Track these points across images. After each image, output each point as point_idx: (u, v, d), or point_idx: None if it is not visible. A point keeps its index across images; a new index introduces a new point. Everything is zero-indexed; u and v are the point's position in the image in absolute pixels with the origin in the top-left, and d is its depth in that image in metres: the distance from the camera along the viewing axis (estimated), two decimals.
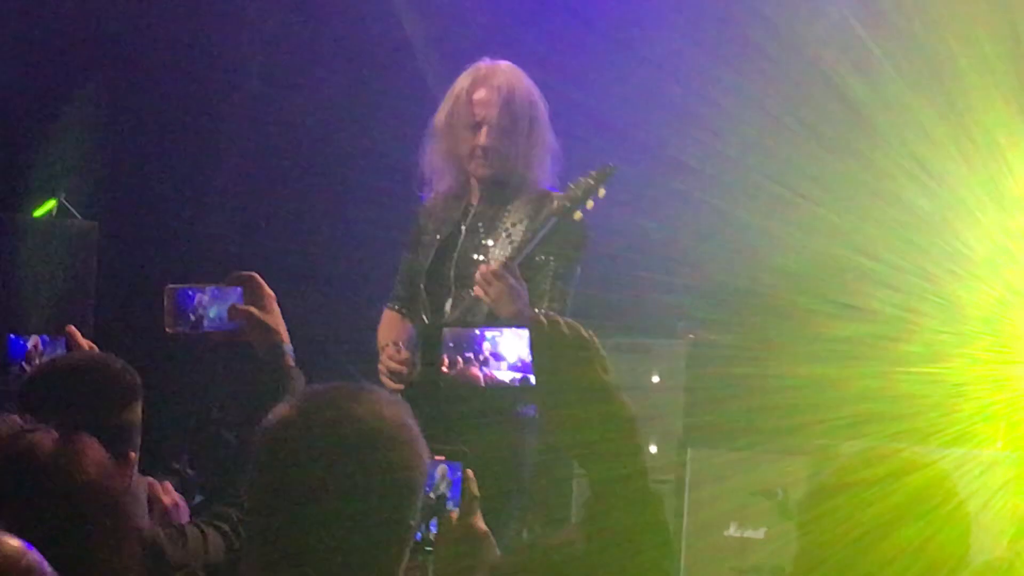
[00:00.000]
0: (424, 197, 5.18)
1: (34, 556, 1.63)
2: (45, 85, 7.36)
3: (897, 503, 2.63)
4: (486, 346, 2.62)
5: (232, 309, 3.51)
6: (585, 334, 2.23)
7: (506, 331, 2.58)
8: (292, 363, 3.47)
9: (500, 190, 4.98)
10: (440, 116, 5.05)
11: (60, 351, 3.78)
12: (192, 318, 3.56)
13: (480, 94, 4.96)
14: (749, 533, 6.10)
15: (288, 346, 3.50)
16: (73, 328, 3.77)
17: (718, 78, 6.40)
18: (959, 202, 6.08)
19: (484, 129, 4.92)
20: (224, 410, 6.68)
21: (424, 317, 4.98)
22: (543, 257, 4.88)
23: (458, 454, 2.86)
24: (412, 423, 2.39)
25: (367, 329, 5.27)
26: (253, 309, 3.48)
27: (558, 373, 2.21)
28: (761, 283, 6.38)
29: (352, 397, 2.37)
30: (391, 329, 5.14)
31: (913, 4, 6.27)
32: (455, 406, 4.43)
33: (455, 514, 2.78)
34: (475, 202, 5.04)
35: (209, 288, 3.56)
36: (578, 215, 4.82)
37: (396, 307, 5.17)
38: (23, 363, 3.90)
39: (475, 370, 2.61)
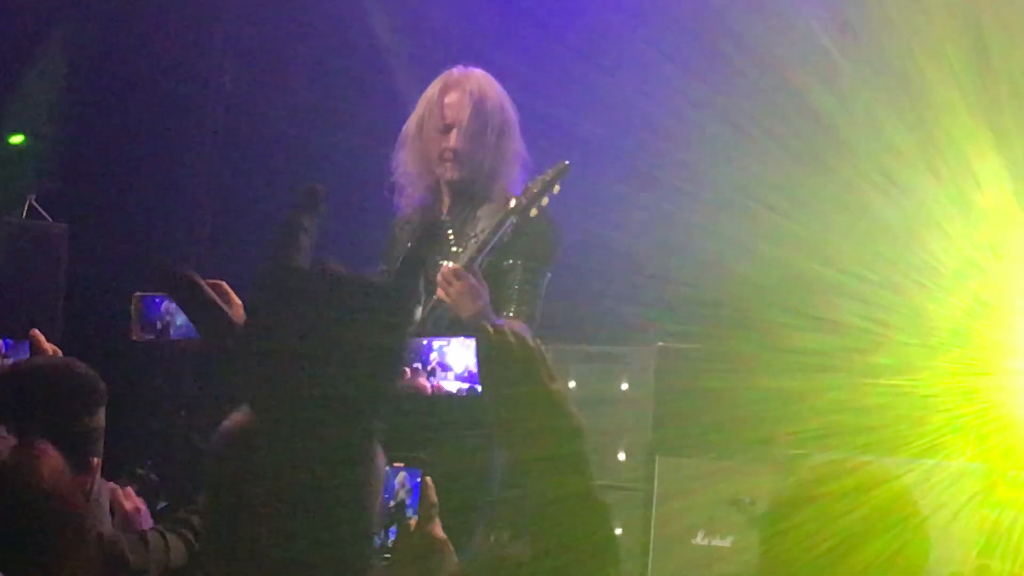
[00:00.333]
0: (396, 204, 5.19)
1: None
2: (15, 84, 7.35)
3: (858, 515, 2.64)
4: (433, 356, 2.62)
5: None
6: (532, 343, 2.23)
7: (453, 341, 2.59)
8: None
9: (469, 196, 5.00)
10: (411, 121, 5.08)
11: (24, 355, 3.77)
12: (159, 326, 3.56)
13: (451, 97, 4.99)
14: (716, 542, 6.10)
15: None
16: (37, 332, 3.75)
17: (688, 91, 6.42)
18: (927, 214, 6.11)
19: (454, 132, 4.95)
20: (190, 416, 6.67)
21: None
22: (511, 261, 4.89)
23: (417, 461, 2.86)
24: None
25: None
26: None
27: (504, 383, 2.21)
28: (730, 294, 6.39)
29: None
30: None
31: (881, 18, 6.31)
32: (424, 414, 4.43)
33: (414, 521, 2.78)
34: (445, 211, 5.06)
35: None
36: (534, 212, 4.83)
37: None
38: None
39: (422, 380, 2.61)
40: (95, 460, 3.20)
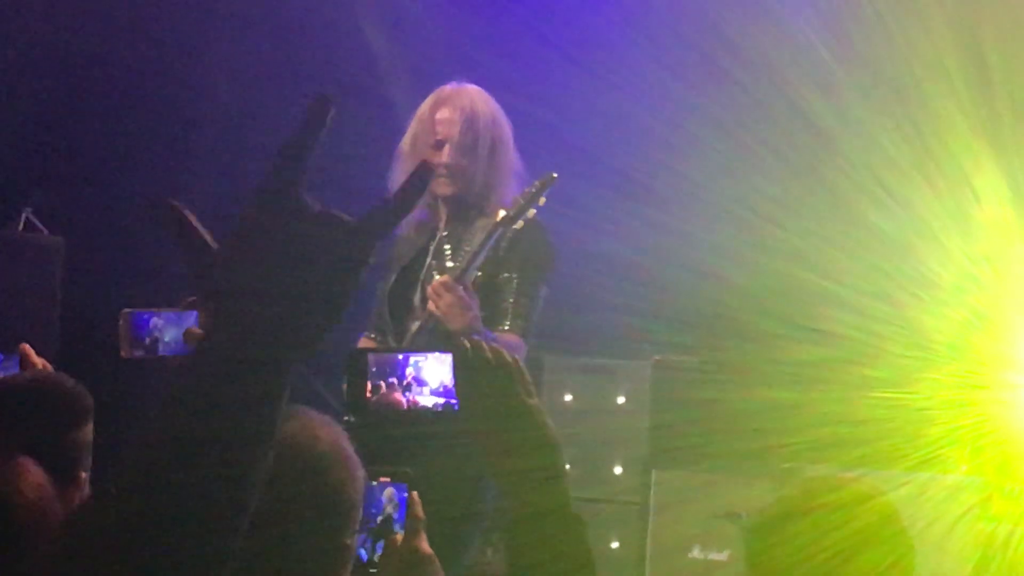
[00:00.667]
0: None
1: None
2: (12, 97, 7.35)
3: (845, 531, 2.64)
4: (409, 371, 2.61)
5: (187, 333, 3.50)
6: (508, 358, 2.22)
7: (430, 356, 2.57)
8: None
9: (464, 211, 5.00)
10: (406, 138, 5.10)
11: (14, 369, 3.76)
12: (147, 342, 3.55)
13: (442, 113, 5.00)
14: (713, 555, 6.09)
15: None
16: (27, 346, 3.74)
17: (684, 101, 6.42)
18: (924, 227, 6.11)
19: (446, 147, 4.96)
20: None
21: (390, 341, 4.99)
22: (507, 275, 4.89)
23: (403, 476, 2.86)
24: (347, 444, 2.39)
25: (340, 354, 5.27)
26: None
27: (480, 397, 2.20)
28: (726, 306, 6.39)
29: (286, 418, 2.37)
30: None
31: (878, 29, 6.30)
32: (417, 428, 4.43)
33: (400, 536, 2.78)
34: (442, 227, 5.06)
35: (165, 312, 3.56)
36: (520, 224, 4.83)
37: (372, 335, 5.18)
38: None
39: (398, 395, 2.60)
40: (82, 475, 3.19)
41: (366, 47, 7.39)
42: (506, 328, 4.81)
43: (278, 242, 1.38)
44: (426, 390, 2.61)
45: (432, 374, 2.59)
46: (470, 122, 4.96)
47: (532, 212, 4.84)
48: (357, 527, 2.42)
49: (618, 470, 6.49)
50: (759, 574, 2.70)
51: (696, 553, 6.11)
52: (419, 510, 2.78)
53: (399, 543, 2.78)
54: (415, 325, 4.95)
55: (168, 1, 7.50)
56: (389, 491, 2.89)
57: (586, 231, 5.49)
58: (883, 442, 5.71)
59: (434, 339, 4.77)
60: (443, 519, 3.23)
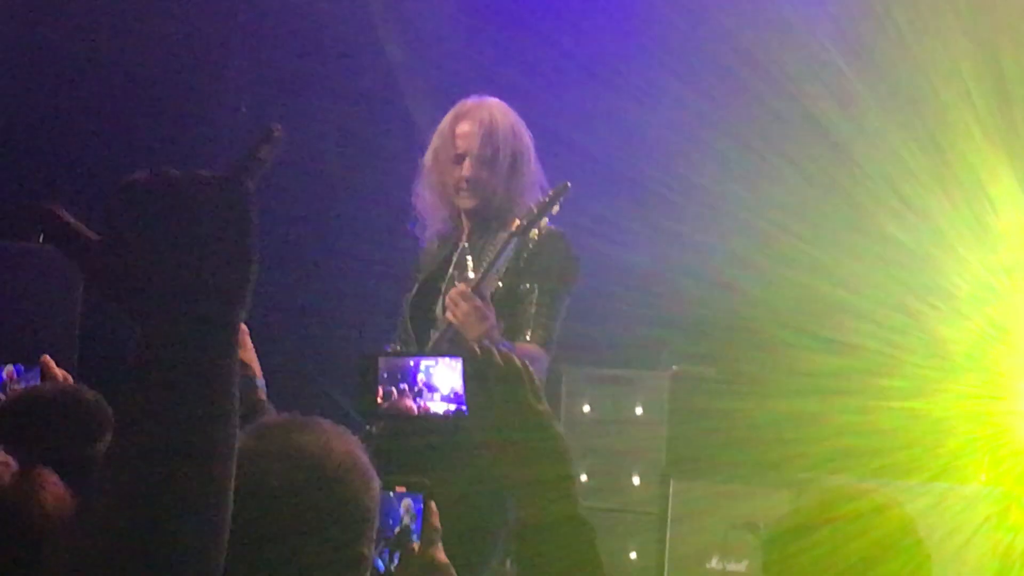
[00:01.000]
0: (419, 235, 5.22)
1: None
2: (29, 109, 7.38)
3: (860, 542, 2.64)
4: (420, 376, 2.61)
5: None
6: (519, 364, 2.23)
7: (440, 361, 2.56)
8: (263, 396, 3.48)
9: (486, 223, 5.01)
10: (428, 152, 5.11)
11: (35, 381, 3.77)
12: None
13: (463, 127, 5.01)
14: (731, 566, 6.10)
15: (260, 380, 3.51)
16: (47, 358, 3.75)
17: (702, 113, 6.43)
18: (941, 237, 6.11)
19: (467, 161, 4.96)
20: None
21: (411, 351, 5.01)
22: (528, 285, 4.90)
23: (419, 485, 2.86)
24: (361, 454, 2.40)
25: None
26: None
27: (490, 403, 2.21)
28: (744, 317, 6.39)
29: (301, 429, 2.39)
30: None
31: (895, 40, 6.30)
32: (434, 438, 4.44)
33: (417, 546, 2.79)
34: (464, 238, 5.08)
35: None
36: (534, 233, 4.85)
37: (396, 346, 5.20)
38: None
39: (408, 401, 2.60)
40: None
41: (385, 60, 7.42)
42: (527, 339, 4.82)
43: (149, 219, 1.38)
44: (436, 396, 2.61)
45: (443, 380, 2.58)
46: (490, 135, 4.97)
47: (545, 221, 4.85)
48: (374, 537, 2.44)
49: (636, 480, 6.50)
50: None
51: (714, 563, 6.12)
52: (435, 520, 2.79)
53: (415, 553, 2.78)
54: (435, 335, 4.97)
55: (189, 17, 7.53)
56: (407, 502, 2.89)
57: (603, 242, 5.50)
58: (901, 452, 5.71)
59: (452, 349, 4.78)
60: (461, 529, 3.24)
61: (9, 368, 3.87)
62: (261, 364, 3.61)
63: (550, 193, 4.87)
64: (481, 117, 5.00)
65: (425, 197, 5.11)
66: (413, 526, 2.88)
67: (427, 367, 2.61)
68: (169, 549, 1.37)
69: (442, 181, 5.04)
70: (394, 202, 5.43)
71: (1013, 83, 6.15)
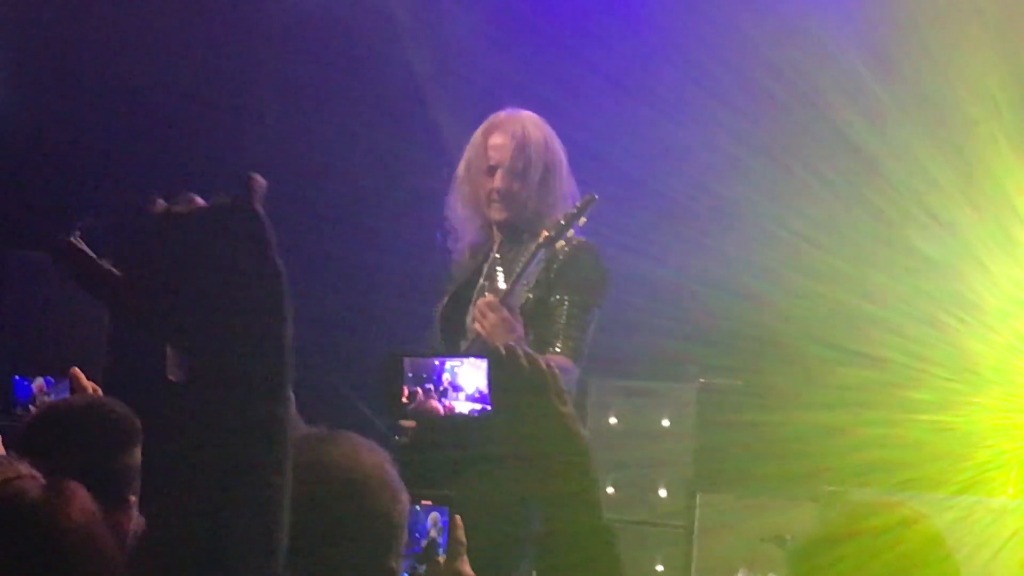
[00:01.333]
0: (449, 246, 5.23)
1: None
2: (60, 120, 7.42)
3: (888, 556, 2.63)
4: (445, 377, 2.62)
5: None
6: (543, 365, 2.24)
7: (465, 361, 2.57)
8: (292, 410, 3.49)
9: (517, 235, 5.02)
10: (461, 164, 5.12)
11: (64, 393, 3.79)
12: None
13: (495, 139, 5.02)
14: None
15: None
16: (77, 370, 3.77)
17: (728, 125, 6.43)
18: (968, 250, 6.10)
19: (498, 173, 4.97)
20: None
21: None
22: (558, 297, 4.90)
23: (445, 499, 2.87)
24: (391, 468, 2.41)
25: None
26: None
27: (515, 403, 2.22)
28: (771, 329, 6.38)
29: (331, 442, 2.40)
30: None
31: (922, 52, 6.30)
32: (465, 450, 4.46)
33: (443, 559, 2.80)
34: (495, 249, 5.09)
35: None
36: (560, 244, 4.85)
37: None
38: (29, 405, 3.91)
39: (434, 402, 2.60)
40: (132, 498, 3.21)
41: (414, 72, 7.43)
42: (557, 350, 4.82)
43: (167, 253, 1.40)
44: (462, 396, 2.62)
45: (468, 380, 2.59)
46: (521, 148, 4.98)
47: (571, 233, 4.86)
48: (402, 550, 2.45)
49: (663, 493, 6.49)
50: None
51: None
52: (461, 533, 2.80)
53: (441, 566, 2.79)
54: (464, 345, 4.98)
55: (217, 28, 7.56)
56: (434, 515, 2.91)
57: (631, 254, 5.51)
58: (928, 466, 5.70)
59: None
60: (487, 543, 3.25)
61: (39, 380, 3.90)
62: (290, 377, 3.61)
63: (577, 205, 4.87)
64: (513, 130, 5.01)
65: (457, 208, 5.13)
66: (440, 539, 2.90)
67: (452, 367, 2.62)
68: (230, 560, 1.38)
69: (474, 193, 5.05)
70: (423, 214, 5.45)
71: None
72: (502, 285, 4.97)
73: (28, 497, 2.29)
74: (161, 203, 1.42)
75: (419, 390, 2.64)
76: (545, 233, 4.84)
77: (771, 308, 6.38)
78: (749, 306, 6.41)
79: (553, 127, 5.12)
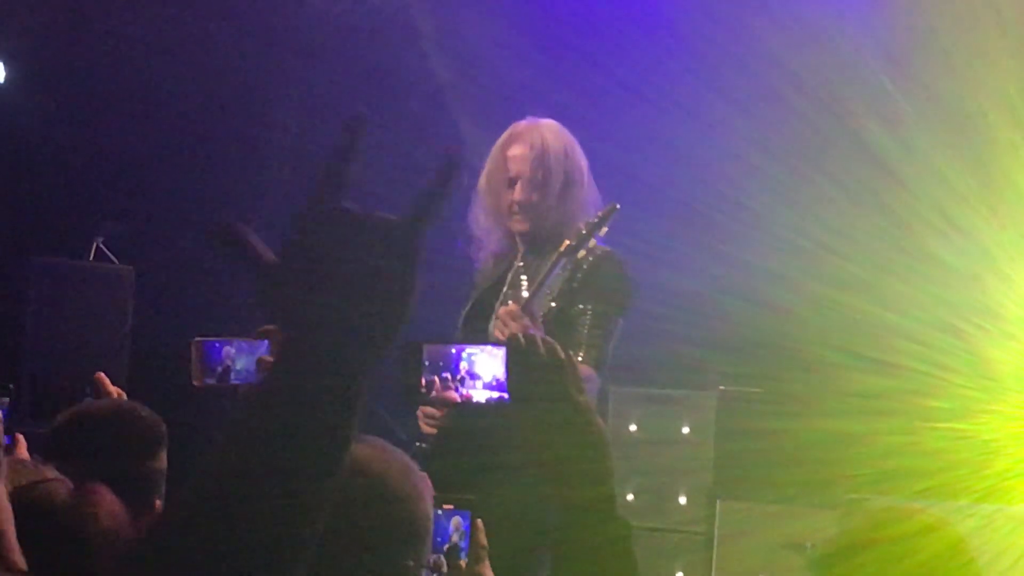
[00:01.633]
0: (471, 255, 5.23)
1: None
2: (85, 128, 7.45)
3: (910, 563, 2.64)
4: (463, 364, 2.62)
5: (260, 362, 3.54)
6: (561, 354, 2.24)
7: (483, 349, 2.57)
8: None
9: (540, 245, 5.01)
10: (482, 175, 5.10)
11: (90, 397, 3.81)
12: (219, 370, 3.59)
13: (514, 150, 4.99)
14: None
15: None
16: (102, 375, 3.78)
17: (748, 134, 6.44)
18: (987, 257, 6.09)
19: (518, 185, 4.95)
20: None
21: None
22: (582, 306, 4.89)
23: (466, 503, 2.89)
24: (415, 472, 2.42)
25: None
26: None
27: (532, 391, 2.22)
28: (790, 337, 6.38)
29: (360, 445, 2.41)
30: None
31: (942, 59, 6.30)
32: (486, 455, 4.46)
33: (464, 563, 2.81)
34: (518, 258, 5.08)
35: (236, 341, 3.59)
36: (582, 253, 4.84)
37: None
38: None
39: (451, 392, 2.61)
40: (157, 502, 3.23)
41: (434, 80, 7.45)
42: (580, 360, 4.81)
43: (330, 252, 1.42)
44: (479, 384, 2.61)
45: (485, 367, 2.58)
46: (541, 158, 4.95)
47: (594, 242, 4.85)
48: (427, 555, 2.46)
49: (683, 500, 6.50)
50: None
51: None
52: (482, 537, 2.81)
53: (463, 570, 2.81)
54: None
55: (237, 37, 7.60)
56: (456, 520, 2.92)
57: (650, 262, 5.51)
58: (947, 473, 5.69)
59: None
60: (508, 547, 3.26)
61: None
62: None
63: (599, 214, 4.86)
64: (532, 140, 4.98)
65: (479, 219, 5.11)
66: (462, 543, 2.91)
67: (470, 355, 2.62)
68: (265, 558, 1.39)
69: (495, 204, 5.03)
70: (443, 223, 5.46)
71: None
72: (525, 293, 4.96)
73: (56, 500, 2.32)
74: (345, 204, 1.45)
75: (436, 379, 2.65)
76: (567, 242, 4.84)
77: (791, 316, 6.38)
78: (769, 314, 6.42)
79: (573, 135, 5.11)
